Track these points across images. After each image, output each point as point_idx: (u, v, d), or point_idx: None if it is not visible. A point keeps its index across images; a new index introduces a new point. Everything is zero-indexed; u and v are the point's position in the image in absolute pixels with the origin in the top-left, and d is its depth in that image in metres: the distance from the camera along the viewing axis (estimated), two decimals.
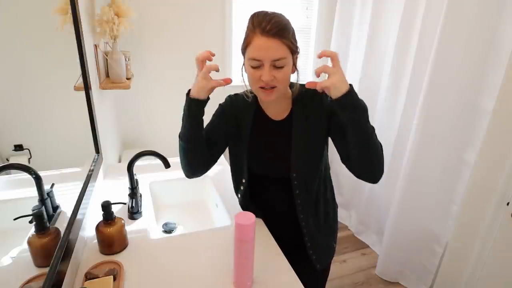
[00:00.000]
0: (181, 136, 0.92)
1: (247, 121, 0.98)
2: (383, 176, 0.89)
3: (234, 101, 1.01)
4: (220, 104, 1.02)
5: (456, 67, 1.54)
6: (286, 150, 0.95)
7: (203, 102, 0.87)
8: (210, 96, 0.88)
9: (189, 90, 0.87)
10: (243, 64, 0.91)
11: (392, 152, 1.97)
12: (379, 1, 2.07)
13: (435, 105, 1.63)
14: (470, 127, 1.57)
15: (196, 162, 0.96)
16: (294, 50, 0.85)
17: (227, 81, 0.86)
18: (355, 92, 0.79)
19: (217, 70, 0.84)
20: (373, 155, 0.85)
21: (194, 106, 0.86)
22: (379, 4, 2.08)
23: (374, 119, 2.16)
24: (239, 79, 0.94)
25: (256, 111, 0.99)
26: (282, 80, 0.84)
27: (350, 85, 0.79)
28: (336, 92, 0.77)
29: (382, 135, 2.10)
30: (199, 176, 0.99)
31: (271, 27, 0.79)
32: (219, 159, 1.01)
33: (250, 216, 0.76)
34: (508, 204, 1.35)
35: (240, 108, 0.99)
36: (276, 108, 0.97)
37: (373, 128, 0.84)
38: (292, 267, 0.91)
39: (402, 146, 1.88)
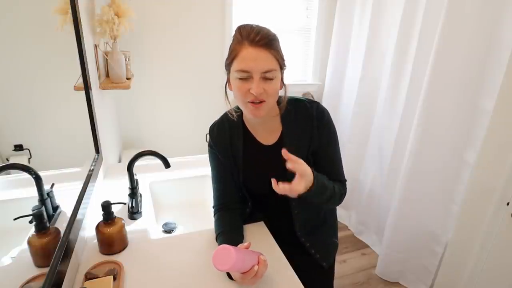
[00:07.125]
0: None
1: (238, 148, 0.95)
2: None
3: (217, 131, 0.97)
4: (208, 145, 0.99)
5: (456, 67, 1.54)
6: (282, 175, 0.81)
7: None
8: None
9: None
10: (226, 82, 0.89)
11: (392, 152, 1.97)
12: (379, 1, 2.07)
13: (435, 105, 1.63)
14: (470, 127, 1.57)
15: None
16: (282, 64, 0.84)
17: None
18: (315, 186, 0.80)
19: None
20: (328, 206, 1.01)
21: None
22: (379, 4, 2.08)
23: (374, 119, 2.15)
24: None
25: (245, 136, 0.95)
26: (272, 93, 0.81)
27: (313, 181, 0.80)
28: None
29: (382, 135, 2.15)
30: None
31: (260, 38, 0.77)
32: None
33: (227, 258, 0.69)
34: (508, 204, 1.35)
35: (226, 135, 0.96)
36: (265, 130, 0.94)
37: (331, 193, 0.88)
38: (298, 268, 0.90)
39: (402, 146, 1.88)
